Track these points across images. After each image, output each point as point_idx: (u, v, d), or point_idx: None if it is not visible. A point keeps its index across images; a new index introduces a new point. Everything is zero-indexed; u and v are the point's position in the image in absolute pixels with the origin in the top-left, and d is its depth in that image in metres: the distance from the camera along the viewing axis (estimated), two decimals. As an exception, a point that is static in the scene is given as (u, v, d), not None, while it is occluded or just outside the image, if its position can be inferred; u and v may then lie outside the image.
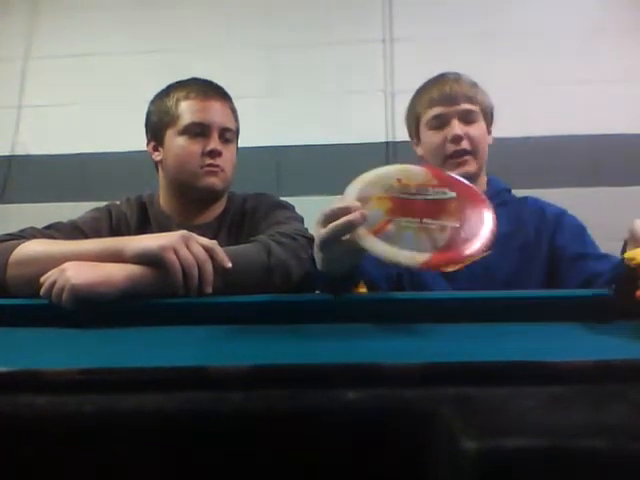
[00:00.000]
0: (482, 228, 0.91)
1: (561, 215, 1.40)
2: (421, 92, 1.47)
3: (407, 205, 0.92)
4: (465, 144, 1.38)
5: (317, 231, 0.94)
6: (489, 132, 1.47)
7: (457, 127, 1.38)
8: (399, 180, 0.95)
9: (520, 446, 0.37)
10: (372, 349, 0.75)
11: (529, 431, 0.39)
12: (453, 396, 0.45)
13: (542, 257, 1.35)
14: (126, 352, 0.76)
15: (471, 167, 1.39)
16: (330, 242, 0.92)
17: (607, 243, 1.26)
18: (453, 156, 1.39)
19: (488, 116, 1.45)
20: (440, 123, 1.41)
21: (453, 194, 0.94)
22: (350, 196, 0.93)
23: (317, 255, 1.01)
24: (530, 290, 1.25)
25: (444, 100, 1.40)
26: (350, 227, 0.88)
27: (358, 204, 0.90)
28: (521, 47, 2.67)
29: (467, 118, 1.40)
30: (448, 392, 0.46)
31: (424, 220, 0.90)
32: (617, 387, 0.46)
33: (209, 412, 0.46)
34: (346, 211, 0.89)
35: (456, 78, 1.43)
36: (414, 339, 0.82)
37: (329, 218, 0.90)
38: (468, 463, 0.36)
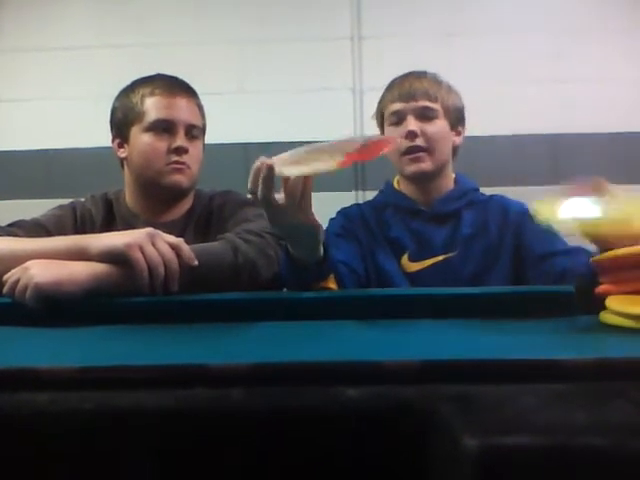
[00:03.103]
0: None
1: (524, 214, 1.35)
2: (386, 89, 1.47)
3: None
4: (419, 141, 1.36)
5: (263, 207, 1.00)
6: (457, 132, 1.45)
7: (412, 123, 1.37)
8: None
9: (520, 444, 0.37)
10: (369, 346, 0.75)
11: (530, 429, 0.39)
12: (453, 394, 0.45)
13: (506, 258, 1.35)
14: (125, 350, 0.75)
15: (426, 165, 1.38)
16: (266, 200, 0.97)
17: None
18: (407, 152, 1.38)
19: (452, 115, 1.42)
20: (398, 119, 1.40)
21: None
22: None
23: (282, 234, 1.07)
24: (498, 287, 1.26)
25: (402, 97, 1.40)
26: (267, 171, 0.95)
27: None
28: (487, 46, 2.69)
29: (424, 115, 1.38)
30: (448, 390, 0.46)
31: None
32: (618, 385, 0.46)
33: (209, 410, 0.46)
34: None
35: (419, 76, 1.43)
36: (415, 334, 0.82)
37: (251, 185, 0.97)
38: (468, 461, 0.36)
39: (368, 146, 0.95)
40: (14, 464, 0.46)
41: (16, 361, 0.63)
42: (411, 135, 1.36)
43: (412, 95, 1.39)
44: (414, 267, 1.37)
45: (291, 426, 0.46)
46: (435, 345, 0.75)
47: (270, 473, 0.46)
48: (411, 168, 1.38)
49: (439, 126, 1.39)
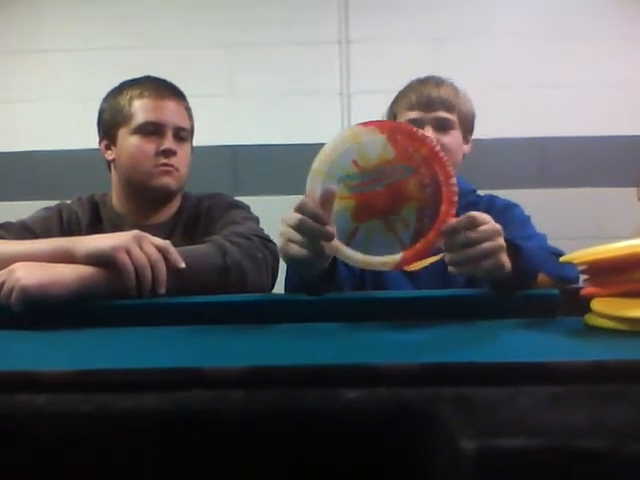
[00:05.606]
0: (441, 207, 0.93)
1: (506, 208, 1.40)
2: (402, 93, 1.46)
3: (370, 200, 0.93)
4: None
5: (284, 244, 0.94)
6: (467, 141, 1.46)
7: (430, 134, 1.34)
8: (355, 163, 0.93)
9: (518, 446, 0.37)
10: (368, 347, 0.75)
11: (527, 431, 0.39)
12: (451, 396, 0.45)
13: None
14: (116, 354, 0.74)
15: None
16: (307, 260, 0.93)
17: (553, 242, 1.29)
18: None
19: (467, 125, 1.44)
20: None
21: (411, 169, 0.93)
22: (314, 194, 0.92)
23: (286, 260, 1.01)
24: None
25: (421, 105, 1.38)
26: (323, 239, 0.90)
27: (326, 218, 0.90)
28: (475, 50, 2.71)
29: (442, 125, 1.38)
30: (446, 392, 0.46)
31: (389, 217, 0.94)
32: (615, 387, 0.47)
33: (207, 413, 0.46)
34: (314, 220, 0.89)
35: (438, 83, 1.42)
36: (414, 336, 0.82)
37: (300, 228, 0.90)
38: (466, 463, 0.36)
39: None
40: (12, 467, 0.46)
41: (9, 365, 0.63)
42: None
43: (431, 104, 1.38)
44: (414, 265, 1.37)
45: (289, 429, 0.46)
46: (428, 347, 0.75)
47: (268, 476, 0.46)
48: None
49: (454, 137, 1.40)
